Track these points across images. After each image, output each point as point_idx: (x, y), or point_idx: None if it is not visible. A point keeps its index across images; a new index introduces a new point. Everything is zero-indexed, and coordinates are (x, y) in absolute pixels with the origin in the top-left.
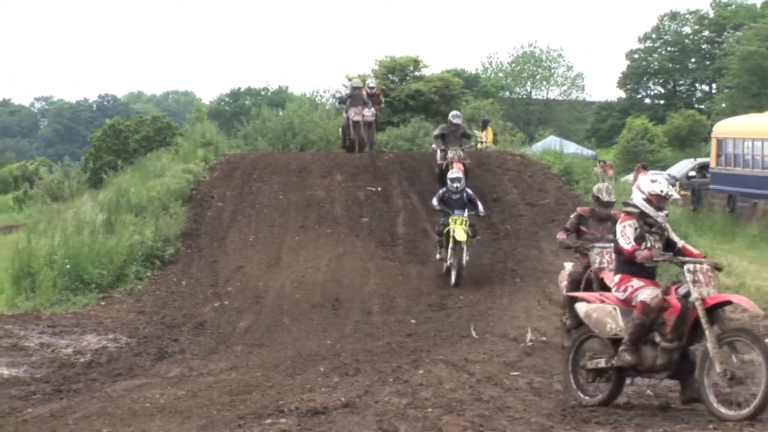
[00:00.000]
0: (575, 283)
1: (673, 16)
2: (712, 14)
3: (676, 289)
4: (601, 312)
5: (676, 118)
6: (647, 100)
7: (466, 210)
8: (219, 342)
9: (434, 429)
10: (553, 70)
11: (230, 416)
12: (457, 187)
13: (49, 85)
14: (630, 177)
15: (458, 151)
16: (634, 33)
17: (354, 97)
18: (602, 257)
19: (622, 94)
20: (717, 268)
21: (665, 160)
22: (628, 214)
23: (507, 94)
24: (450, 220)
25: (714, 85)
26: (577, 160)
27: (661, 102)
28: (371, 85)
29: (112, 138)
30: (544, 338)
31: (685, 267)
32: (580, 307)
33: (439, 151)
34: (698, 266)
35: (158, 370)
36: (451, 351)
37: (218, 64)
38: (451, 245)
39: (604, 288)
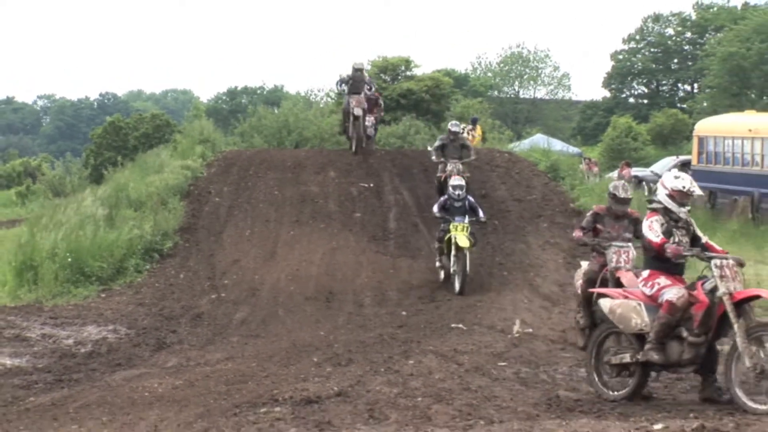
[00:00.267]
0: (591, 282)
1: (657, 18)
2: (694, 16)
3: (702, 284)
4: (626, 308)
5: (659, 117)
6: (631, 100)
7: (467, 216)
8: (216, 333)
9: (424, 417)
10: (540, 70)
11: (226, 405)
12: (459, 195)
13: (52, 83)
14: (614, 174)
15: (457, 164)
16: (619, 34)
17: (355, 79)
18: (619, 256)
19: (607, 94)
20: (740, 264)
21: (648, 158)
22: (653, 210)
23: (495, 93)
24: (451, 226)
25: (696, 85)
26: (563, 158)
27: (645, 101)
28: (368, 78)
29: (113, 135)
30: (530, 330)
31: (712, 262)
32: (604, 303)
33: (439, 164)
34: (724, 261)
35: (157, 360)
36: (440, 342)
37: (216, 63)
38: (453, 252)
39: (620, 287)
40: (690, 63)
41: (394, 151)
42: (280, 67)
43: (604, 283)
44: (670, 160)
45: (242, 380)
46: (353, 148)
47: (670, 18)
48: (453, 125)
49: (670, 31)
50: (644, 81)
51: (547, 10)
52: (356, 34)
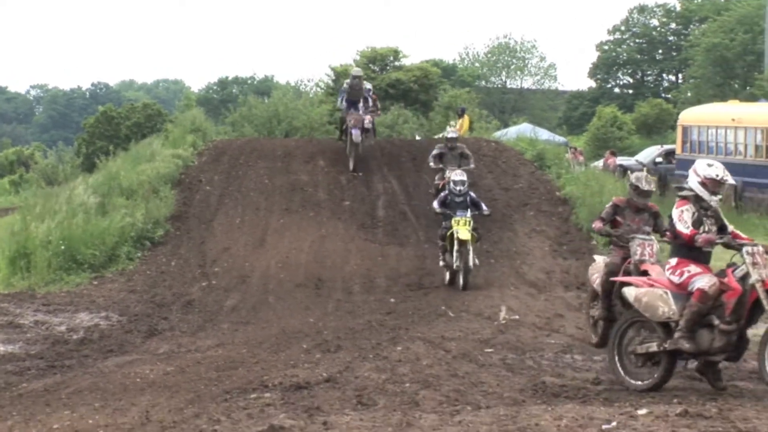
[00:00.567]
0: (612, 276)
1: (642, 9)
2: (678, 7)
3: (733, 271)
4: (652, 296)
5: (644, 107)
6: (616, 90)
7: (469, 210)
8: (206, 320)
9: (411, 403)
10: (527, 61)
11: (217, 391)
12: (460, 190)
13: (45, 73)
14: (599, 163)
15: (456, 171)
16: (604, 25)
17: (353, 87)
18: (643, 249)
19: (593, 84)
20: None
21: (633, 147)
22: (684, 198)
23: (483, 83)
24: (453, 221)
25: (680, 76)
26: (550, 147)
27: (630, 91)
28: (368, 87)
29: (105, 124)
30: (516, 317)
31: (744, 249)
32: (629, 292)
33: (437, 172)
34: (755, 249)
35: (148, 346)
36: (428, 329)
37: (207, 53)
38: (456, 247)
39: None
40: (674, 53)
41: (382, 140)
42: (271, 57)
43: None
44: (655, 149)
45: (232, 366)
46: (351, 167)
47: (655, 9)
48: (450, 132)
49: (655, 22)
50: (629, 71)
51: (534, 2)
52: (346, 25)
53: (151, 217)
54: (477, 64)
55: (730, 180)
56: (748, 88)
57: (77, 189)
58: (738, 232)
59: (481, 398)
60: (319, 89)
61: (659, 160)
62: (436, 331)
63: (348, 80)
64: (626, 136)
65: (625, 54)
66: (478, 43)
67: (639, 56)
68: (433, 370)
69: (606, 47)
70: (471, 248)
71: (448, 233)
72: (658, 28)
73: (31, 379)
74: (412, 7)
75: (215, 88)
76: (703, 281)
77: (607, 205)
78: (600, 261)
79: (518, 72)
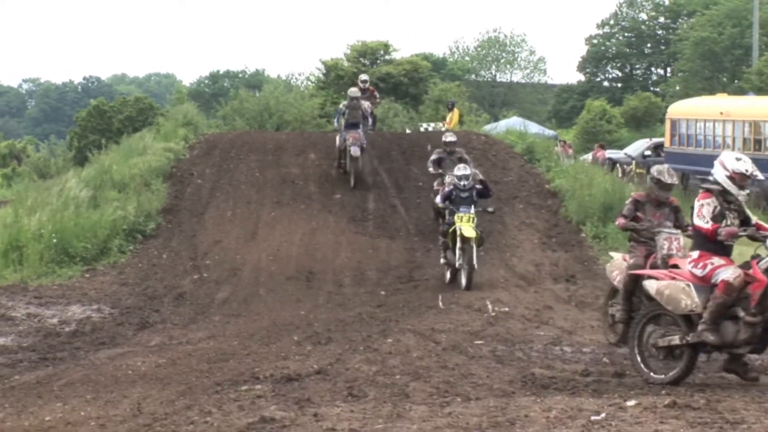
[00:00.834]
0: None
1: (631, 3)
2: (667, 1)
3: (758, 263)
4: (674, 289)
5: (633, 100)
6: (605, 83)
7: (473, 207)
8: (198, 312)
9: (402, 395)
10: (516, 54)
11: (208, 383)
12: (464, 185)
13: (37, 67)
14: (588, 156)
15: (460, 165)
16: (593, 19)
17: (352, 108)
18: (671, 243)
19: (582, 78)
20: None
21: (622, 140)
22: (708, 191)
23: (473, 76)
24: (456, 218)
25: (669, 69)
26: (539, 140)
27: (619, 85)
28: (363, 78)
29: (97, 118)
30: (506, 309)
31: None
32: (650, 285)
33: (436, 177)
34: None
35: (140, 339)
36: (418, 321)
37: (198, 47)
38: (459, 245)
39: None
40: (663, 47)
41: (373, 133)
42: (262, 51)
43: None
44: (643, 143)
45: (224, 358)
46: (352, 183)
47: (644, 3)
48: (448, 135)
49: (643, 15)
50: (618, 65)
51: None
52: (336, 19)
53: (143, 211)
54: (467, 58)
55: (760, 175)
56: (736, 81)
57: (69, 182)
58: (762, 223)
59: (471, 390)
60: (309, 83)
61: (648, 153)
62: (427, 324)
63: (345, 101)
64: (615, 130)
65: (614, 48)
66: (468, 37)
67: (628, 50)
68: (423, 362)
69: (595, 41)
70: (474, 246)
71: (450, 230)
72: (647, 22)
73: (24, 371)
74: (402, 1)
75: (207, 81)
76: (728, 273)
77: (627, 202)
78: (618, 258)
79: (508, 66)
